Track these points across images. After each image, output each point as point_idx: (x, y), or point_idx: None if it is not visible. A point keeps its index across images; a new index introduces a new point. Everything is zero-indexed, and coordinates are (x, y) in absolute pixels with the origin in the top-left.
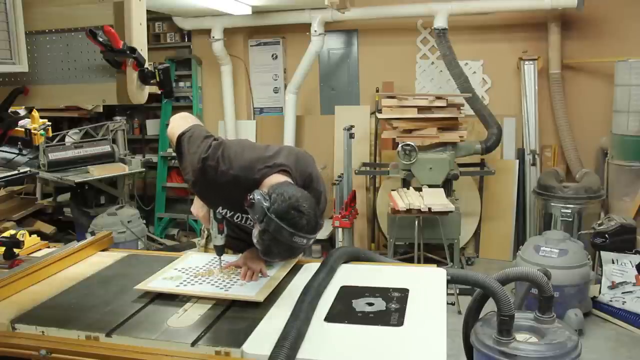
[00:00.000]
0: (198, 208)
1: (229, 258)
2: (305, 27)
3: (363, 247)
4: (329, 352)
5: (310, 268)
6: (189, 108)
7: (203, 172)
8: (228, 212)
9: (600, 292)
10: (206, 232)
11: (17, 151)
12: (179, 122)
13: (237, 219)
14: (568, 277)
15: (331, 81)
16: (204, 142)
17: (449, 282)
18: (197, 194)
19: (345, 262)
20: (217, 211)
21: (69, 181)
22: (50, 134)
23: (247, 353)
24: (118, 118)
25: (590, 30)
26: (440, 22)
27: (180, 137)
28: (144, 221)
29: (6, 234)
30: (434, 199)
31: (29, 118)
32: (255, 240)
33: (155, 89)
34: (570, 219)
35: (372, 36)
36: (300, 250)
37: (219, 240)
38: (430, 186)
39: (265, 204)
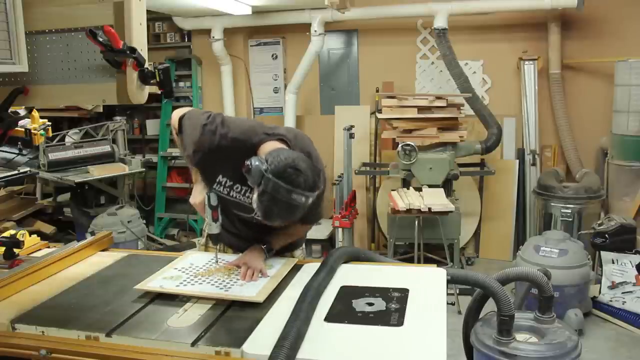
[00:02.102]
0: (196, 196)
1: (229, 258)
2: (305, 27)
3: (363, 247)
4: (329, 352)
5: (310, 268)
6: None
7: (202, 137)
8: (227, 181)
9: (600, 292)
10: (206, 231)
11: (17, 151)
12: (180, 110)
13: (236, 189)
14: (568, 277)
15: (331, 81)
16: (204, 114)
17: (449, 282)
18: (197, 165)
19: (345, 262)
20: (214, 188)
21: (69, 181)
22: (50, 134)
23: (247, 353)
24: (118, 118)
25: (590, 30)
26: (440, 22)
27: (181, 118)
28: (144, 221)
29: (6, 234)
30: (434, 199)
31: (29, 118)
32: (255, 205)
33: (155, 89)
34: (570, 219)
35: (372, 36)
36: (300, 210)
37: (214, 228)
38: (430, 186)
39: (262, 166)
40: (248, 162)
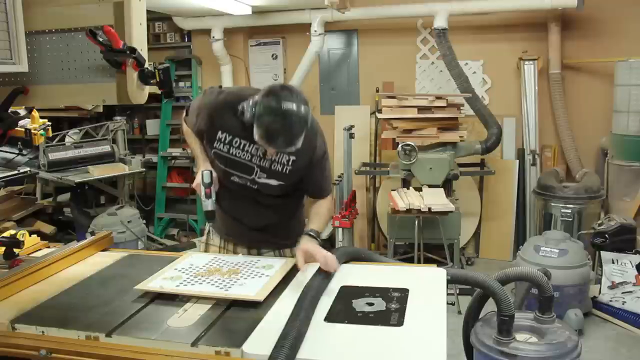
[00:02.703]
0: (197, 177)
1: (229, 258)
2: (305, 27)
3: (363, 247)
4: (329, 352)
5: (310, 268)
6: None
7: (203, 99)
8: (227, 136)
9: (600, 292)
10: (207, 228)
11: (17, 151)
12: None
13: (235, 144)
14: (568, 277)
15: (331, 81)
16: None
17: (449, 282)
18: (200, 130)
19: (346, 262)
20: (215, 146)
21: (69, 181)
22: (50, 134)
23: (247, 353)
24: (118, 118)
25: (590, 30)
26: (440, 22)
27: (187, 107)
28: (144, 221)
29: (6, 234)
30: (434, 199)
31: (29, 118)
32: (256, 137)
33: (155, 89)
34: (570, 219)
35: (372, 36)
36: (298, 123)
37: (209, 205)
38: (430, 186)
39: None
40: (240, 107)
